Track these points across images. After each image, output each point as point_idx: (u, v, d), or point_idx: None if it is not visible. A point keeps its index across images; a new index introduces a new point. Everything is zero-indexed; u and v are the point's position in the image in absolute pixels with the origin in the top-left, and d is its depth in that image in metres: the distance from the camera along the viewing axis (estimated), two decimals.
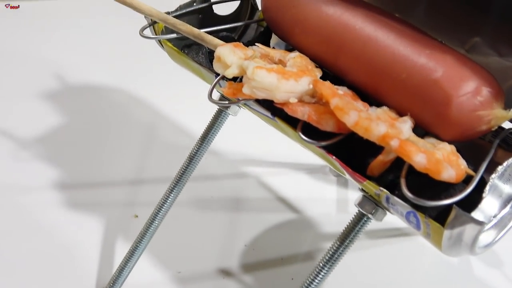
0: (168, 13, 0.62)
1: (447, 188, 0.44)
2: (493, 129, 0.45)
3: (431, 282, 0.72)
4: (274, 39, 0.67)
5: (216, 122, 0.62)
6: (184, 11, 0.62)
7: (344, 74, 0.51)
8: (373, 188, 0.45)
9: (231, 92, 0.50)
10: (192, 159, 0.63)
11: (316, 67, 0.52)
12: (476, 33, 0.53)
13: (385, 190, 0.44)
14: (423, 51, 0.45)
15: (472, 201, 0.42)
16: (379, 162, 0.44)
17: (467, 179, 0.43)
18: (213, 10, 0.66)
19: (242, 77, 0.50)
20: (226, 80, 0.54)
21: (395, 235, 0.78)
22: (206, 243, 0.75)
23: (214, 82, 0.53)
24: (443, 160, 0.42)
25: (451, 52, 0.45)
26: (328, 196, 0.84)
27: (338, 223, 0.78)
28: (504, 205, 0.44)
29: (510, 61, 0.50)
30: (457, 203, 0.40)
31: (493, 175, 0.43)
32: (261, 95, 0.48)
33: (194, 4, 0.64)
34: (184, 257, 0.72)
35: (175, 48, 0.60)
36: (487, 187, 0.42)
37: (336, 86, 0.49)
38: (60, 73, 1.07)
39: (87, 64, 1.12)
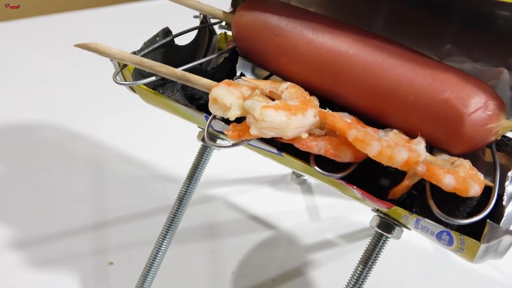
0: (134, 52, 0.58)
1: (465, 201, 0.46)
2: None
3: (421, 276, 0.75)
4: (239, 63, 0.65)
5: (202, 159, 0.60)
6: (150, 48, 0.59)
7: (343, 99, 0.51)
8: (402, 212, 0.45)
9: (237, 135, 0.48)
10: (182, 201, 0.60)
11: (311, 95, 0.52)
12: (447, 41, 0.55)
13: (416, 214, 0.45)
14: (425, 71, 0.47)
15: (496, 211, 0.44)
16: (404, 187, 0.45)
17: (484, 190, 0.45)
18: (174, 41, 0.63)
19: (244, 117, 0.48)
20: (222, 121, 0.52)
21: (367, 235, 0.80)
22: (192, 279, 0.72)
23: (208, 124, 0.51)
24: (467, 178, 0.43)
25: (451, 70, 0.47)
26: (297, 206, 0.84)
27: (315, 233, 0.80)
28: None
29: (484, 65, 0.53)
30: (487, 217, 0.43)
31: (507, 183, 0.45)
32: (271, 134, 0.47)
33: (157, 39, 0.61)
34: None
35: (150, 90, 0.57)
36: (505, 196, 0.45)
37: (341, 114, 0.49)
38: None
39: (5, 101, 1.03)
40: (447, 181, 0.43)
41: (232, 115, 0.48)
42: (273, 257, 0.76)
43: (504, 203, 0.44)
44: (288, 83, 0.52)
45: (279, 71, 0.55)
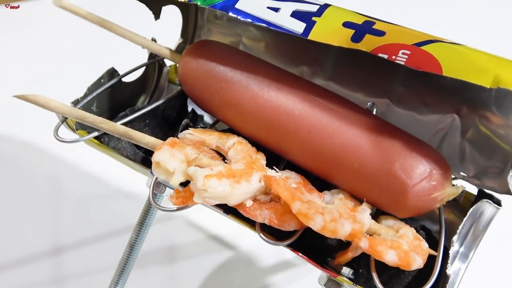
0: (77, 100, 0.56)
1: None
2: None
3: None
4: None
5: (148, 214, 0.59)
6: (94, 94, 0.57)
7: (290, 157, 0.50)
8: (346, 284, 0.45)
9: (180, 202, 0.47)
10: (133, 247, 0.59)
11: (257, 151, 0.51)
12: (398, 85, 0.54)
13: (360, 285, 0.45)
14: (370, 137, 0.46)
15: (441, 277, 0.44)
16: (347, 258, 0.45)
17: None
18: (121, 80, 0.61)
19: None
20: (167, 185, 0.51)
21: None
22: None
23: (151, 188, 0.50)
24: (410, 251, 0.43)
25: (397, 135, 0.46)
26: None
27: (274, 253, 0.80)
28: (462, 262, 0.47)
29: (435, 111, 0.53)
30: None
31: (450, 251, 0.45)
32: (215, 202, 0.46)
33: (102, 81, 0.59)
34: None
35: (95, 141, 0.55)
36: (449, 263, 0.45)
37: (286, 174, 0.48)
38: None
39: None
40: (389, 258, 0.42)
41: (175, 182, 0.47)
42: (232, 279, 0.76)
43: (447, 271, 0.45)
44: (235, 139, 0.51)
45: (226, 122, 0.53)
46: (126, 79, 0.62)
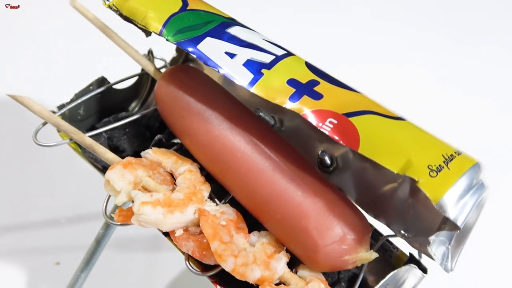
0: (63, 105, 0.61)
1: None
2: None
3: None
4: None
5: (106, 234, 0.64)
6: (79, 100, 0.62)
7: (232, 193, 0.53)
8: None
9: (121, 219, 0.52)
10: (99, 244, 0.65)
11: (205, 182, 0.54)
12: None
13: None
14: (296, 192, 0.48)
15: None
16: None
17: None
18: (111, 87, 0.66)
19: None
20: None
21: None
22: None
23: (105, 203, 0.54)
24: None
25: (325, 195, 0.48)
26: None
27: None
28: None
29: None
30: None
31: None
32: (149, 227, 0.50)
33: (91, 87, 0.64)
34: None
35: (73, 145, 0.60)
36: None
37: (223, 209, 0.52)
38: None
39: None
40: None
41: (119, 201, 0.51)
42: None
43: None
44: (187, 167, 0.55)
45: (186, 148, 0.57)
46: (119, 86, 0.66)
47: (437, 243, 0.49)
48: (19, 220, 0.85)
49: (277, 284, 0.48)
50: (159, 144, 0.60)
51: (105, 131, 0.62)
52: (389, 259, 0.55)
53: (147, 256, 0.83)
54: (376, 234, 0.56)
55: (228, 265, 0.47)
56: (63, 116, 0.61)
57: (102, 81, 0.64)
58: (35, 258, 0.81)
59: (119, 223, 0.53)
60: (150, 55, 0.67)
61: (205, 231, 0.48)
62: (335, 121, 0.44)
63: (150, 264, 0.82)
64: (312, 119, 0.45)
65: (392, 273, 0.49)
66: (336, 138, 0.43)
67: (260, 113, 0.58)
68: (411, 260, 0.52)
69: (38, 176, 0.92)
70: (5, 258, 0.81)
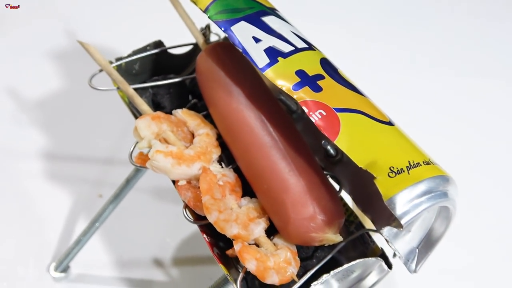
0: (120, 58, 0.71)
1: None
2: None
3: None
4: None
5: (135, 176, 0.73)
6: (135, 57, 0.71)
7: (236, 160, 0.60)
8: (224, 271, 0.56)
9: (140, 162, 0.60)
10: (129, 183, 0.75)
11: (217, 146, 0.62)
12: None
13: (230, 277, 0.55)
14: (285, 169, 0.54)
15: None
16: (230, 252, 0.55)
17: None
18: (167, 51, 0.74)
19: None
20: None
21: None
22: (151, 232, 0.88)
23: (132, 148, 0.63)
24: (271, 268, 0.52)
25: (307, 177, 0.53)
26: None
27: None
28: None
29: None
30: None
31: (313, 284, 0.53)
32: (159, 172, 0.59)
33: (148, 48, 0.73)
34: (130, 241, 0.87)
35: (121, 93, 0.70)
36: None
37: (225, 172, 0.59)
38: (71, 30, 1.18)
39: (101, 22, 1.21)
40: (249, 266, 0.52)
41: (140, 146, 0.60)
42: None
43: None
44: (206, 130, 0.62)
45: (211, 115, 0.64)
46: (174, 52, 0.75)
47: (403, 243, 0.54)
48: (76, 152, 0.98)
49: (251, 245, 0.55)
50: (193, 107, 0.68)
51: (152, 87, 0.71)
52: (365, 251, 0.60)
53: (177, 208, 0.92)
54: (361, 226, 0.61)
55: (211, 217, 0.54)
56: (119, 68, 0.71)
57: (158, 44, 0.73)
58: (83, 188, 0.92)
59: (138, 165, 0.62)
60: (207, 29, 0.75)
61: (201, 185, 0.56)
62: (324, 113, 0.50)
63: (176, 215, 0.91)
64: (306, 107, 0.51)
65: (358, 260, 0.54)
66: (321, 127, 0.49)
67: (281, 97, 0.64)
68: (382, 255, 0.57)
69: (96, 117, 1.04)
70: (58, 182, 0.93)
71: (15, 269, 0.83)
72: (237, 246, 0.53)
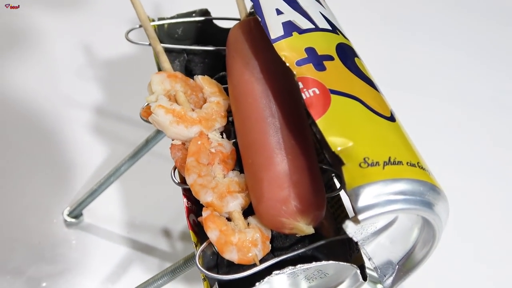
0: (163, 18, 0.72)
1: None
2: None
3: None
4: None
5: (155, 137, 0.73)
6: (178, 20, 0.72)
7: (236, 133, 0.58)
8: (192, 238, 0.54)
9: (145, 115, 0.60)
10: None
11: (224, 117, 0.60)
12: None
13: (195, 246, 0.53)
14: (275, 149, 0.51)
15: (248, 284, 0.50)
16: (201, 219, 0.53)
17: None
18: (213, 22, 0.74)
19: None
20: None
21: None
22: (168, 203, 0.88)
23: (145, 104, 0.63)
24: (233, 244, 0.50)
25: (294, 163, 0.50)
26: None
27: None
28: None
29: None
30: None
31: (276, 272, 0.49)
32: (158, 127, 0.58)
33: (193, 15, 0.73)
34: (146, 206, 0.87)
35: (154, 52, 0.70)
36: (261, 282, 0.49)
37: (223, 142, 0.57)
38: None
39: None
40: (211, 235, 0.50)
41: (148, 99, 0.60)
42: None
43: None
44: (218, 99, 0.61)
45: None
46: (219, 24, 0.74)
47: (381, 256, 0.49)
48: (124, 114, 1.00)
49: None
50: (220, 80, 0.67)
51: (188, 54, 0.71)
52: (348, 257, 0.55)
53: None
54: None
55: (189, 179, 0.53)
56: (161, 28, 0.72)
57: (204, 12, 0.73)
58: (119, 147, 0.94)
59: (144, 118, 0.61)
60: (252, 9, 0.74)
61: (189, 147, 0.55)
62: (318, 92, 0.47)
63: None
64: (302, 83, 0.48)
65: (329, 262, 0.50)
66: (309, 104, 0.46)
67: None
68: (361, 265, 0.52)
69: (127, 70, 1.06)
70: (99, 136, 0.96)
71: (34, 205, 0.86)
72: (205, 213, 0.51)
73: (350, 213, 0.57)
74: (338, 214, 0.58)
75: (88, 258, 0.81)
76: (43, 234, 0.83)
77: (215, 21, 0.74)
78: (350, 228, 0.42)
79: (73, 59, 1.09)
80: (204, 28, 0.74)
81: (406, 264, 0.49)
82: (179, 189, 0.90)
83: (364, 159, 0.42)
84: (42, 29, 1.13)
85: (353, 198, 0.40)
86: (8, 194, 0.87)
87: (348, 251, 0.55)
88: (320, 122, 0.44)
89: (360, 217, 0.40)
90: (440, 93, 1.11)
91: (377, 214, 0.40)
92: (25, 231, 0.83)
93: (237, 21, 0.74)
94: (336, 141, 0.43)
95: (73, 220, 0.84)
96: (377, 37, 1.21)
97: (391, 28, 1.24)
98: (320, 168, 0.55)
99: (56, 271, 0.79)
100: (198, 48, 0.70)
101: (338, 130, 0.44)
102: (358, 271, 0.51)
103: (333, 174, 0.60)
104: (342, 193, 0.57)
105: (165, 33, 0.72)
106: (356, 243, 0.55)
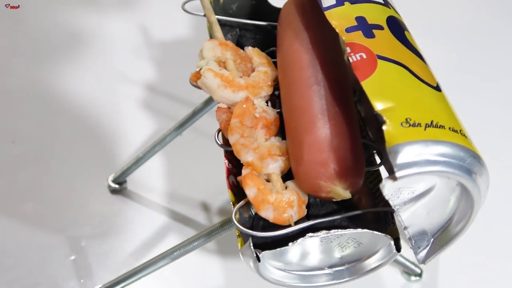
0: None
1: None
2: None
3: None
4: None
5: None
6: None
7: (281, 102, 0.59)
8: (230, 197, 0.55)
9: (194, 79, 0.62)
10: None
11: (271, 86, 0.61)
12: None
13: (232, 204, 0.54)
14: (317, 112, 0.52)
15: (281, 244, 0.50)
16: (240, 178, 0.54)
17: None
18: (267, 0, 0.76)
19: None
20: None
21: None
22: (208, 179, 0.90)
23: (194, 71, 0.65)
24: (270, 203, 0.50)
25: (337, 129, 0.51)
26: None
27: None
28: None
29: None
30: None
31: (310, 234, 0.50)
32: (206, 91, 0.60)
33: None
34: (187, 179, 0.89)
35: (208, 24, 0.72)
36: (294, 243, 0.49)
37: (268, 109, 0.58)
38: None
39: None
40: (249, 193, 0.51)
41: (198, 64, 0.62)
42: None
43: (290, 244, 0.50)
44: (266, 69, 0.62)
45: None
46: (274, 3, 0.76)
47: (416, 227, 0.49)
48: (174, 92, 1.03)
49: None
50: (269, 55, 0.68)
51: (240, 29, 0.73)
52: (383, 229, 0.55)
53: None
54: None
55: (232, 138, 0.54)
56: (216, 3, 0.73)
57: None
58: (166, 123, 0.96)
59: (193, 83, 0.63)
60: None
61: (235, 109, 0.56)
62: (365, 56, 0.47)
63: None
64: (350, 48, 0.48)
65: (365, 230, 0.50)
66: (355, 67, 0.46)
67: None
68: (396, 238, 0.52)
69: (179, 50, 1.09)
70: (148, 111, 0.99)
71: (81, 170, 0.89)
72: (244, 171, 0.52)
73: None
74: (376, 189, 0.58)
75: (128, 223, 0.83)
76: (87, 198, 0.86)
77: (267, 2, 0.76)
78: (387, 188, 0.43)
79: (130, 38, 1.13)
80: (257, 6, 0.76)
81: (442, 238, 0.49)
82: (220, 167, 0.92)
83: (406, 119, 0.42)
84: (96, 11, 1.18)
85: (392, 155, 0.41)
86: (58, 158, 0.91)
87: (384, 225, 0.55)
88: (365, 84, 0.45)
89: (398, 174, 0.40)
90: None
91: (415, 173, 0.41)
92: (70, 193, 0.87)
93: None
94: (379, 102, 0.43)
95: (116, 186, 0.87)
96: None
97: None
98: (363, 144, 0.55)
99: (96, 233, 0.82)
100: (251, 23, 0.72)
101: (382, 92, 0.44)
102: (392, 242, 0.51)
103: (375, 151, 0.60)
104: (382, 170, 0.58)
105: (220, 8, 0.74)
106: (392, 216, 0.55)
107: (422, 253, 0.49)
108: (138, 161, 0.83)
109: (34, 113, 0.98)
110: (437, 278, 0.81)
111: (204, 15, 0.70)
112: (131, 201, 0.86)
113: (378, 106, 0.43)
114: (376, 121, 0.57)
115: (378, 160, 0.60)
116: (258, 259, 0.49)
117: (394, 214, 0.47)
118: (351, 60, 0.47)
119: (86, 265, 0.77)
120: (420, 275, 0.80)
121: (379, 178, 0.59)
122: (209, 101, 0.75)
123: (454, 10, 1.27)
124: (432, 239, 0.49)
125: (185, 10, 0.72)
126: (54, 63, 1.06)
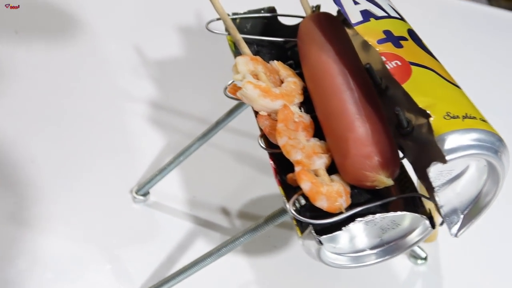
0: (236, 13, 0.81)
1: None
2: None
3: None
4: None
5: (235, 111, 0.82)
6: (249, 15, 0.81)
7: (315, 109, 0.67)
8: (281, 193, 0.62)
9: (232, 92, 0.69)
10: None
11: (301, 94, 0.69)
12: None
13: (285, 198, 0.61)
14: (355, 112, 0.60)
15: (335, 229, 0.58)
16: (290, 176, 0.62)
17: None
18: (277, 19, 0.84)
19: None
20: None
21: None
22: (226, 184, 0.96)
23: (228, 83, 0.72)
24: (323, 193, 0.58)
25: (373, 125, 0.59)
26: None
27: None
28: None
29: None
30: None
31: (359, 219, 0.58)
32: (246, 101, 0.67)
33: (262, 11, 0.83)
34: (206, 186, 0.95)
35: (230, 42, 0.80)
36: (347, 227, 0.57)
37: (303, 114, 0.66)
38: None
39: None
40: (304, 186, 0.58)
41: (235, 78, 0.69)
42: None
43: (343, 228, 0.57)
44: (294, 79, 0.70)
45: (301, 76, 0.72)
46: (285, 22, 0.84)
47: (448, 205, 0.57)
48: (178, 107, 1.09)
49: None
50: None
51: (257, 45, 0.80)
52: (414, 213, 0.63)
53: (252, 173, 1.00)
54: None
55: (281, 141, 0.61)
56: (233, 22, 0.81)
57: (272, 9, 0.82)
58: (174, 136, 1.03)
59: (230, 95, 0.70)
60: (317, 8, 0.83)
61: (278, 115, 0.63)
62: (400, 63, 0.56)
63: (252, 178, 0.99)
64: (385, 57, 0.57)
65: (407, 213, 0.58)
66: (393, 73, 0.55)
67: (367, 66, 0.70)
68: (429, 217, 0.61)
69: (204, 85, 1.16)
70: (156, 125, 1.04)
71: (103, 186, 0.94)
72: (297, 168, 0.60)
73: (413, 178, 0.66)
74: (401, 178, 0.67)
75: (156, 231, 0.89)
76: (112, 210, 0.91)
77: (279, 18, 0.84)
78: (433, 172, 0.51)
79: (127, 59, 1.18)
80: (269, 24, 0.84)
81: (471, 212, 0.58)
82: (231, 172, 0.99)
83: (447, 113, 0.51)
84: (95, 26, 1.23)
85: (441, 142, 0.49)
86: (78, 175, 0.96)
87: (414, 208, 0.64)
88: (406, 86, 0.54)
89: (448, 157, 0.49)
90: None
91: (459, 156, 0.50)
92: (95, 206, 0.91)
93: (300, 18, 0.85)
94: (420, 99, 0.52)
95: (140, 197, 0.92)
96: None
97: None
98: None
99: (127, 243, 0.87)
100: (268, 39, 0.80)
101: (422, 92, 0.53)
102: (428, 222, 0.59)
103: None
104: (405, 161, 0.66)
105: (236, 26, 0.82)
106: (420, 199, 0.63)
107: (454, 228, 0.58)
108: (162, 172, 0.89)
109: (51, 134, 1.02)
110: (440, 262, 0.90)
111: (229, 34, 0.77)
112: (155, 211, 0.92)
113: (421, 103, 0.52)
114: (397, 119, 0.66)
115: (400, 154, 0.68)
116: (321, 242, 0.56)
117: (434, 194, 0.55)
118: (388, 67, 0.56)
119: (125, 272, 0.83)
120: (425, 258, 0.89)
121: (403, 169, 0.68)
122: (231, 112, 0.82)
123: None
124: (462, 215, 0.58)
125: (209, 30, 0.79)
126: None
